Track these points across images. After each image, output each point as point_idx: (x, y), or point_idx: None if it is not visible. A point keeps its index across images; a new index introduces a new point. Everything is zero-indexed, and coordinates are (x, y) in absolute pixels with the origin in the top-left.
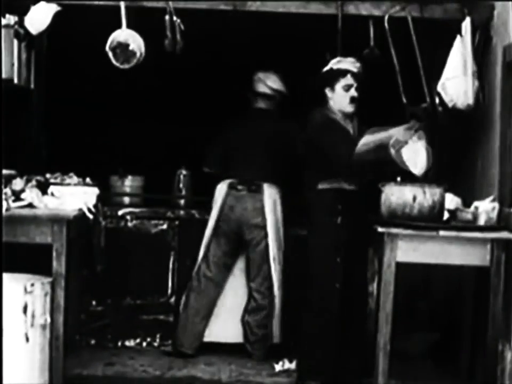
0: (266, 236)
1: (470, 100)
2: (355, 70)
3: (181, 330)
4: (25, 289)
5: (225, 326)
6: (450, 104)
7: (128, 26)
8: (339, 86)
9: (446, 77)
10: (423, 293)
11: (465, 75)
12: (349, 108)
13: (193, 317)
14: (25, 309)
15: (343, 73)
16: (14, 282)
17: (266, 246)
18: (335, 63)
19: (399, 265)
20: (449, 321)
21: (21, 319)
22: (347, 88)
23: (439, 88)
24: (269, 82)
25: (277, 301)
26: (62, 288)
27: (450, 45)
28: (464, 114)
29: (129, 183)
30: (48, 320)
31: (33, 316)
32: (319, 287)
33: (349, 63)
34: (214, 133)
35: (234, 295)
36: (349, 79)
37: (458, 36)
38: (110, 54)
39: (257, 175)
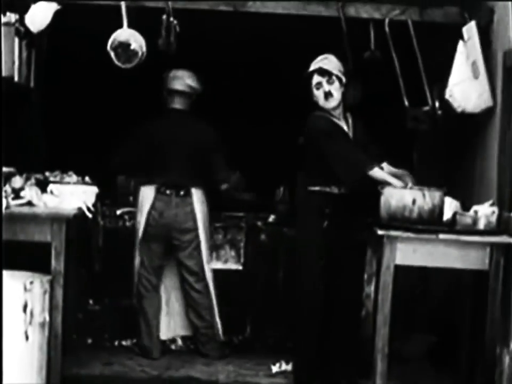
0: (198, 238)
1: (489, 102)
2: (318, 66)
3: (145, 337)
4: (25, 287)
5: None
6: (458, 110)
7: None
8: (312, 86)
9: (453, 82)
10: (421, 295)
11: (477, 78)
12: (327, 104)
13: (152, 321)
14: (25, 307)
15: (310, 74)
16: (13, 280)
17: (199, 248)
18: (311, 65)
19: (398, 268)
20: (447, 324)
21: (20, 317)
22: (317, 86)
23: (446, 95)
24: (186, 80)
25: (214, 300)
26: (61, 286)
27: (451, 48)
28: (473, 118)
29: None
30: (47, 318)
31: (32, 314)
32: (302, 288)
33: (315, 63)
34: (123, 134)
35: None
36: (315, 78)
37: (460, 41)
38: (112, 54)
39: (183, 179)
